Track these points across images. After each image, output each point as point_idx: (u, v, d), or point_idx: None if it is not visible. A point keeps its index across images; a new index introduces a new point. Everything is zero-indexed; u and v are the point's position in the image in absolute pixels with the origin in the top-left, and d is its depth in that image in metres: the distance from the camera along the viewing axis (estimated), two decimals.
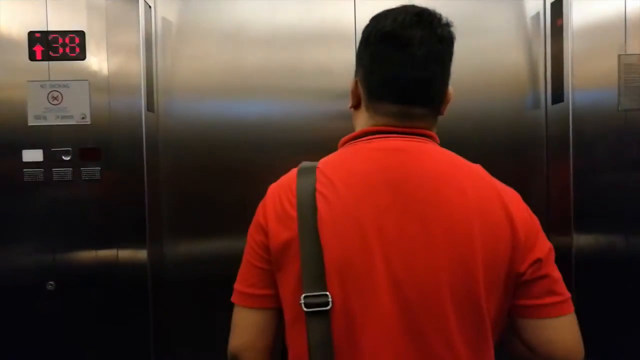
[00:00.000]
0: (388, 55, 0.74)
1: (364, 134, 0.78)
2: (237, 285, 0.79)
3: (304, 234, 0.71)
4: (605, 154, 1.34)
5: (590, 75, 1.33)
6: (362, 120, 0.81)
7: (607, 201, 1.34)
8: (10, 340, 1.30)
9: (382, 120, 0.77)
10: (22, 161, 1.28)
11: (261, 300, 0.77)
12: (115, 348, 1.30)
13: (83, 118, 1.30)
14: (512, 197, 0.75)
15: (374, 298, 0.70)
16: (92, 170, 1.30)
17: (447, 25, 0.76)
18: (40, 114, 1.30)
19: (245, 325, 0.78)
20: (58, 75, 1.30)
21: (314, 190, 0.72)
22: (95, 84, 1.30)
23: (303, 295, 0.69)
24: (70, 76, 1.30)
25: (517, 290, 0.74)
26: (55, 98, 1.30)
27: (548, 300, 0.75)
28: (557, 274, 0.75)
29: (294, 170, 0.78)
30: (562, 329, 0.75)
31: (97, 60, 1.30)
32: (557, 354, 0.75)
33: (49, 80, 1.30)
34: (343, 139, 0.81)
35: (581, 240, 1.33)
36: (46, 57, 1.30)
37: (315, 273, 0.70)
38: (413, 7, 0.75)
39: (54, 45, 1.30)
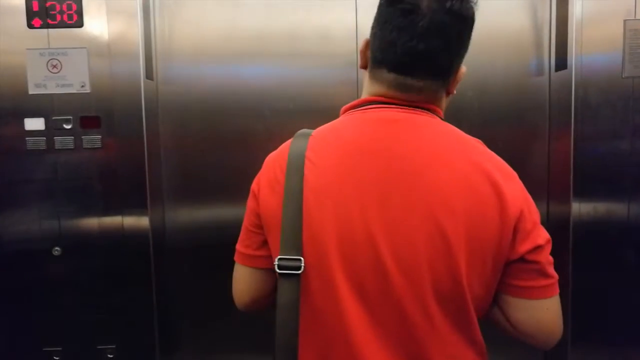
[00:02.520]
0: (390, 19, 0.72)
1: (362, 104, 0.78)
2: (237, 245, 0.85)
3: (288, 198, 0.72)
4: (609, 122, 1.31)
5: (596, 41, 1.29)
6: (366, 84, 0.80)
7: (608, 170, 1.32)
8: (20, 303, 1.35)
9: (381, 89, 0.76)
10: (24, 129, 1.30)
11: (254, 260, 0.81)
12: (119, 312, 1.35)
13: (82, 86, 1.30)
14: (507, 176, 0.73)
15: (350, 265, 0.71)
16: (93, 139, 1.31)
17: (468, 1, 0.71)
18: (40, 82, 1.30)
19: (242, 281, 0.84)
20: (57, 43, 1.29)
21: (304, 157, 0.73)
22: (94, 52, 1.30)
23: (277, 257, 0.72)
24: (69, 44, 1.29)
25: (509, 269, 0.75)
26: (54, 66, 1.30)
27: (542, 282, 0.75)
28: (550, 257, 0.76)
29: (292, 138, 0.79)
30: (552, 310, 0.77)
31: (95, 27, 1.29)
32: (543, 332, 0.78)
33: (48, 49, 1.29)
34: (344, 107, 0.82)
35: (580, 208, 1.33)
36: (45, 25, 1.29)
37: (293, 237, 0.72)
38: None
39: (51, 13, 1.28)
